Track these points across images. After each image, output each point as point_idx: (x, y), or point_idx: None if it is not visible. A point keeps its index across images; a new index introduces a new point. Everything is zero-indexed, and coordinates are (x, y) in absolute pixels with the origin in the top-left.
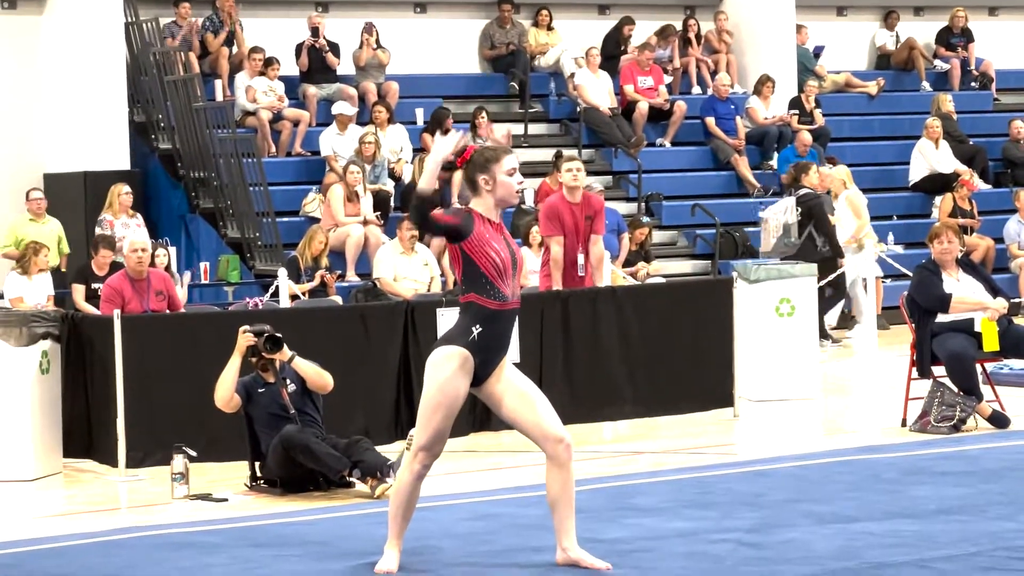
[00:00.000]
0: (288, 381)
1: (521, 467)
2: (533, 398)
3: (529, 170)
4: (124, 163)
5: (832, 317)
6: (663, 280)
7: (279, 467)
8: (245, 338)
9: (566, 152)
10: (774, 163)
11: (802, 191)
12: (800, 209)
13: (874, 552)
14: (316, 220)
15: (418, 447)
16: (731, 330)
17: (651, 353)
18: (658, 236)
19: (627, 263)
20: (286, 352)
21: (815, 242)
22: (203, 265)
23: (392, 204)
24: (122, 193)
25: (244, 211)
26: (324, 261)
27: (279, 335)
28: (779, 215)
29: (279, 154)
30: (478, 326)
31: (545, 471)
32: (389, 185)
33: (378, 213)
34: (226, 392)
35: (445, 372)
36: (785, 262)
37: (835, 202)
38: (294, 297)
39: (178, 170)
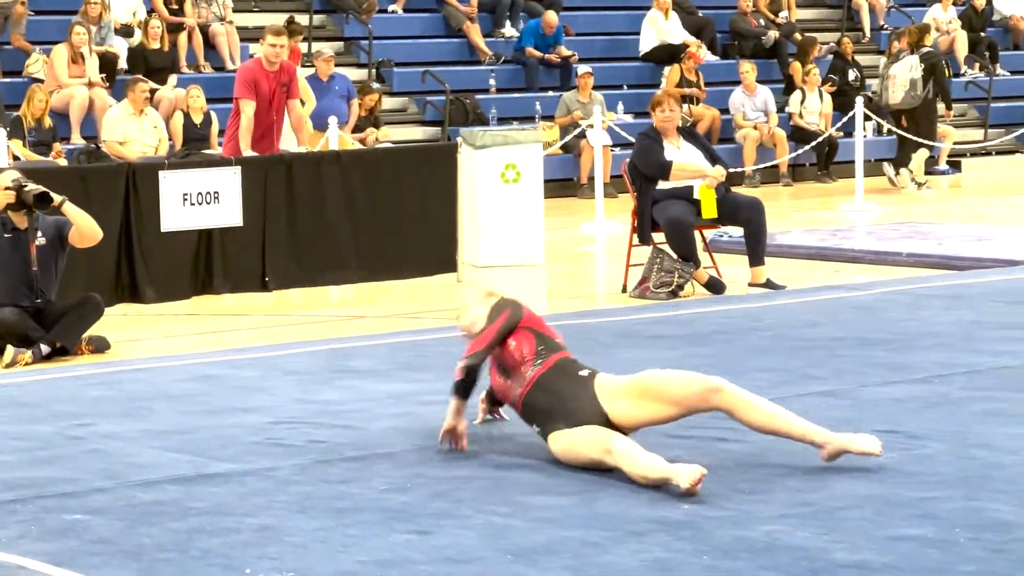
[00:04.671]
0: (40, 233)
1: (240, 330)
2: (647, 383)
3: (259, 36)
4: None
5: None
6: (390, 146)
7: None
8: (5, 195)
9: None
10: (506, 31)
11: (924, 50)
12: (924, 66)
13: None
14: (40, 81)
15: (615, 456)
16: (455, 196)
17: (377, 218)
18: (388, 103)
19: (356, 129)
20: (56, 199)
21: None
22: None
23: (120, 67)
24: None
25: None
26: (47, 122)
27: (45, 189)
28: (906, 71)
29: None
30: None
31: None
32: (116, 47)
33: (103, 75)
34: None
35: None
36: (511, 129)
37: None
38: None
39: None
